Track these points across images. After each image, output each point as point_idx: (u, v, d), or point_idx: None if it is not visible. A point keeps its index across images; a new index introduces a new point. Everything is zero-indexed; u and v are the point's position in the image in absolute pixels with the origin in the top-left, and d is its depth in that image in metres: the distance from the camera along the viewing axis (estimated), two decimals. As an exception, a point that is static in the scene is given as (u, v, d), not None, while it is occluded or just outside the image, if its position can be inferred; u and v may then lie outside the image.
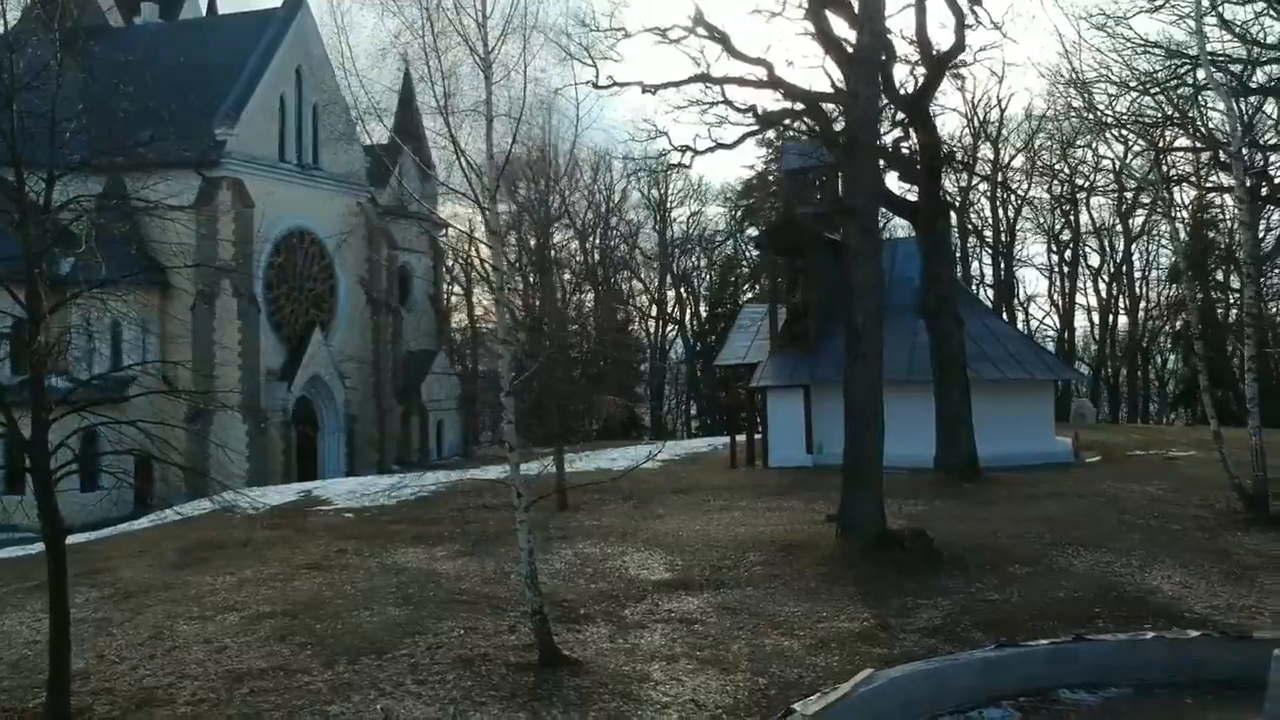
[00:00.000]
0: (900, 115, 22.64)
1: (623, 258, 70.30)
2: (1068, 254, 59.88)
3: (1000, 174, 57.60)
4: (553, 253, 69.86)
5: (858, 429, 14.92)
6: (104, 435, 34.68)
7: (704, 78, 17.14)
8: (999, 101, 72.00)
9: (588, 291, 70.07)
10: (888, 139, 23.66)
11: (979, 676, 10.15)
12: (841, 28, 15.82)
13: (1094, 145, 44.99)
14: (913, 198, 25.30)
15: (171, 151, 40.51)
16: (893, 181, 27.53)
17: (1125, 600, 12.35)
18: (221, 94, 42.33)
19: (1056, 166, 54.46)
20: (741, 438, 28.24)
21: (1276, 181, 27.98)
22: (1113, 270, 60.01)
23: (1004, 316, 59.45)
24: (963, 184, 55.85)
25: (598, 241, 69.51)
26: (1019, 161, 56.34)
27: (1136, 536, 15.20)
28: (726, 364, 29.65)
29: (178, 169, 40.90)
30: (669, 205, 68.27)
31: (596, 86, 16.89)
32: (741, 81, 17.78)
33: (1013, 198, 59.92)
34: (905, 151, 22.65)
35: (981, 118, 55.17)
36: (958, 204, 57.71)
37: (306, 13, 45.71)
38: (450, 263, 64.77)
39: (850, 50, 15.63)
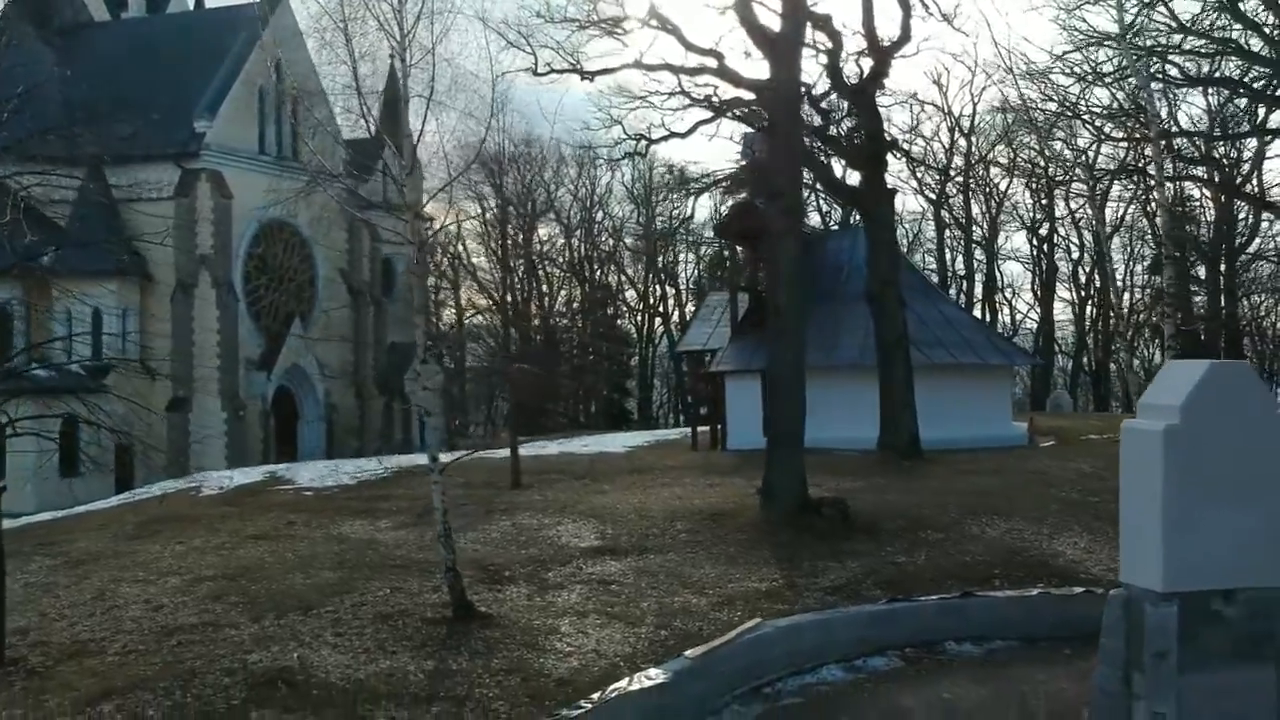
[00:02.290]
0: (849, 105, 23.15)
1: (609, 252, 70.86)
2: (1046, 246, 60.68)
3: (982, 167, 58.39)
4: (539, 246, 70.51)
5: (780, 403, 15.48)
6: (82, 421, 34.98)
7: (638, 64, 17.74)
8: (973, 96, 72.96)
9: (575, 286, 70.71)
10: (843, 128, 24.26)
11: (866, 628, 10.73)
12: (771, 18, 16.33)
13: (1067, 138, 45.78)
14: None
15: (153, 144, 41.24)
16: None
17: (1028, 563, 12.93)
18: (202, 87, 42.86)
19: (1033, 160, 55.22)
20: (705, 427, 28.88)
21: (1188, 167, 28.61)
22: (1091, 262, 60.75)
23: (987, 309, 60.22)
24: (937, 179, 56.66)
25: (583, 235, 70.04)
26: (1004, 157, 57.13)
27: (1054, 507, 15.79)
28: (689, 350, 30.26)
29: (158, 161, 41.59)
30: (654, 200, 68.93)
31: (535, 74, 17.46)
32: (677, 69, 18.32)
33: (995, 191, 60.70)
34: (845, 140, 23.22)
35: (957, 113, 56.02)
36: (935, 199, 58.50)
37: (285, 6, 46.14)
38: (440, 258, 65.55)
39: (773, 39, 16.17)
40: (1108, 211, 56.33)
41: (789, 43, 15.36)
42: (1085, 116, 26.29)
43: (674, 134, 21.45)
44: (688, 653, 9.39)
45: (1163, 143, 27.41)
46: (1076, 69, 23.68)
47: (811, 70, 26.89)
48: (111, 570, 14.26)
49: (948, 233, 60.92)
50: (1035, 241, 61.19)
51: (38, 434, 28.11)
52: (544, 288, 71.13)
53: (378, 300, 51.68)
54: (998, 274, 62.70)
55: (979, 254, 61.97)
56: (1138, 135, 21.74)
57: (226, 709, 9.00)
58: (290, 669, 9.84)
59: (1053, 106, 25.00)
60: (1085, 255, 61.06)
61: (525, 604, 11.80)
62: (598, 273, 70.78)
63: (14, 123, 31.46)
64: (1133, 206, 55.51)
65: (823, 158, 25.30)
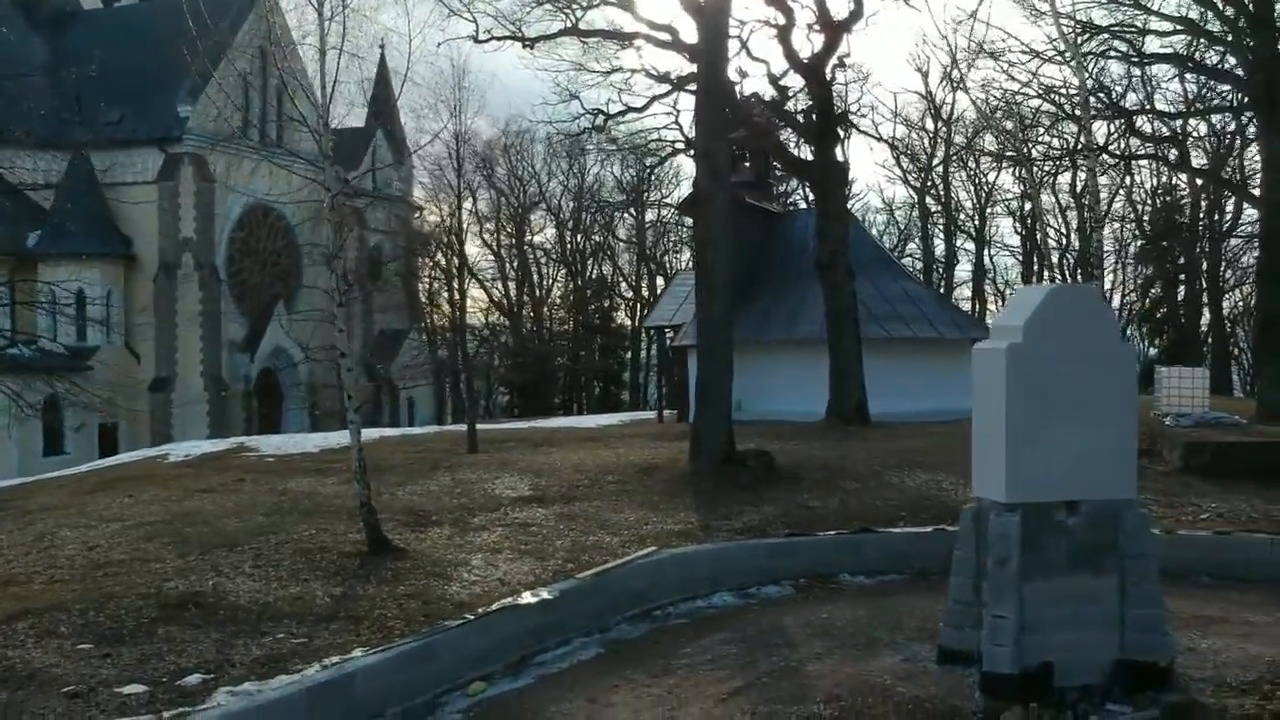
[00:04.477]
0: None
1: (601, 242, 71.18)
2: (1032, 234, 60.97)
3: (967, 155, 58.60)
4: (530, 236, 70.82)
5: (708, 359, 15.89)
6: (63, 400, 35.39)
7: (574, 30, 18.08)
8: (954, 84, 73.17)
9: (568, 280, 70.99)
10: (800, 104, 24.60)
11: (763, 559, 11.15)
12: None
13: (1051, 123, 46.02)
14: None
15: (138, 128, 41.75)
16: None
17: (936, 507, 13.32)
18: (186, 72, 43.26)
19: (1015, 145, 55.41)
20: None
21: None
22: (1077, 249, 61.03)
23: (976, 300, 60.52)
24: (921, 165, 57.00)
25: (575, 226, 70.33)
26: (988, 144, 57.43)
27: (980, 463, 16.14)
28: (655, 326, 30.68)
29: (142, 145, 42.10)
30: (645, 188, 69.22)
31: (476, 41, 17.84)
32: (611, 35, 18.66)
33: (982, 180, 60.96)
34: (800, 115, 23.60)
35: (938, 100, 56.29)
36: (919, 186, 58.83)
37: (272, -11, 46.56)
38: (432, 248, 65.88)
39: (701, 4, 16.55)
40: (1097, 199, 56.61)
41: (716, 7, 15.76)
42: (1046, 95, 26.58)
43: (631, 109, 21.87)
44: (578, 575, 9.80)
45: (1120, 121, 27.78)
46: (1031, 47, 24.01)
47: (769, 47, 27.14)
48: (58, 518, 14.71)
49: (935, 221, 61.29)
50: (1021, 230, 61.55)
51: (17, 401, 28.40)
52: (536, 279, 71.49)
53: (364, 286, 52.17)
54: (988, 262, 63.08)
55: (969, 244, 62.36)
56: (1077, 114, 22.01)
57: (135, 625, 9.43)
58: (203, 594, 10.29)
59: (1013, 86, 25.30)
60: (1073, 243, 61.36)
61: (444, 542, 12.24)
62: (590, 265, 71.15)
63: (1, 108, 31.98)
64: (1119, 196, 55.84)
65: (780, 133, 25.65)
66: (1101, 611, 7.97)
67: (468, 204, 65.05)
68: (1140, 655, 7.83)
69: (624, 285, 72.34)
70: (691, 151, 24.27)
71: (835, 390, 22.55)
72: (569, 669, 8.76)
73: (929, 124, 58.20)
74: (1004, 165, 48.73)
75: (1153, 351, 56.96)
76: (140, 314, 41.09)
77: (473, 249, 70.34)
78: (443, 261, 68.74)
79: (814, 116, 23.09)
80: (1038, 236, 56.77)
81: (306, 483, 16.91)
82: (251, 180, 44.11)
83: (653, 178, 62.83)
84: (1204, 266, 51.74)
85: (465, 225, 65.96)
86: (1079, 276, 56.49)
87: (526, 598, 9.24)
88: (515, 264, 70.00)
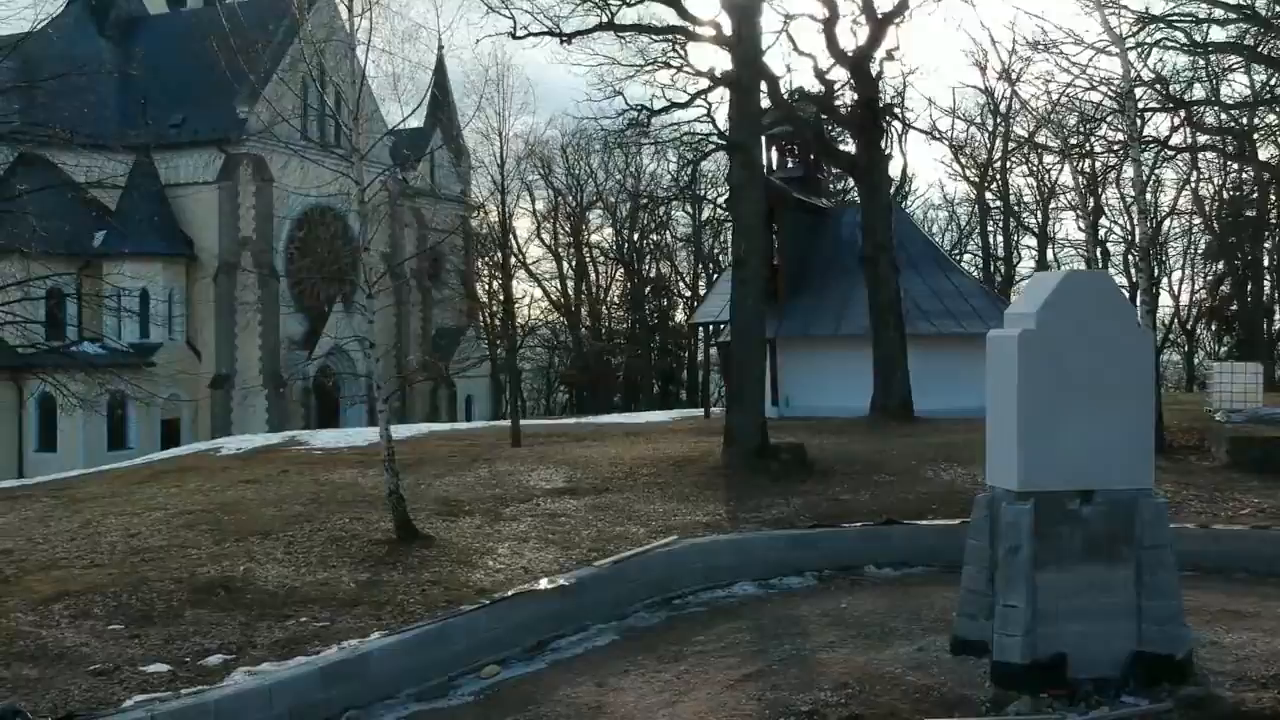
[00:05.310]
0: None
1: (658, 241, 71.17)
2: (1094, 231, 59.80)
3: (1029, 150, 57.64)
4: (587, 235, 71.03)
5: (741, 349, 15.86)
6: (130, 396, 36.06)
7: (610, 25, 18.12)
8: (1010, 78, 71.96)
9: (626, 279, 71.05)
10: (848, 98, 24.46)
11: (786, 550, 11.11)
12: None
13: (1102, 116, 45.04)
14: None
15: (199, 130, 42.68)
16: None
17: (969, 501, 13.00)
18: (246, 74, 44.11)
19: (1078, 140, 54.38)
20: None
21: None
22: (1142, 245, 59.74)
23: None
24: (980, 162, 56.25)
25: (631, 225, 70.38)
26: (1049, 139, 56.30)
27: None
28: (702, 322, 30.65)
29: (203, 146, 43.01)
30: (695, 185, 68.98)
31: (514, 37, 17.97)
32: (645, 29, 18.64)
33: (1044, 175, 59.92)
34: (845, 108, 23.46)
35: (997, 94, 55.43)
36: (978, 182, 58.06)
37: (332, -10, 47.33)
38: (489, 246, 66.32)
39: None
40: (1163, 197, 55.52)
41: (747, 1, 15.74)
42: (1095, 87, 26.02)
43: (674, 104, 21.86)
44: (597, 563, 9.86)
45: (1180, 113, 27.12)
46: (1081, 38, 23.55)
47: (815, 42, 27.07)
48: (105, 507, 15.12)
49: (994, 218, 60.40)
50: (1083, 226, 60.37)
51: (80, 401, 29.14)
52: (594, 278, 71.66)
53: (424, 287, 52.78)
54: (1051, 258, 61.96)
55: (1030, 240, 61.38)
56: (1123, 104, 21.48)
57: (165, 608, 9.68)
58: (233, 579, 10.52)
59: (1066, 78, 24.81)
60: (1137, 241, 60.01)
61: (473, 531, 12.38)
62: (648, 263, 71.14)
63: (70, 112, 32.88)
64: (1185, 192, 54.56)
65: (825, 128, 25.52)
66: (1117, 603, 7.84)
67: (525, 203, 65.61)
68: (1157, 647, 7.70)
69: (682, 284, 72.29)
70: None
71: (879, 385, 22.38)
72: (582, 654, 8.83)
73: (988, 120, 57.40)
74: (1066, 159, 47.81)
75: (1222, 350, 55.70)
76: (201, 312, 41.99)
77: (534, 251, 70.85)
78: (498, 259, 69.25)
79: (859, 110, 22.91)
80: (1100, 232, 55.63)
81: (349, 474, 17.18)
82: (309, 179, 44.75)
83: (698, 174, 62.69)
84: (1266, 262, 50.40)
85: (507, 221, 66.36)
86: (1135, 272, 55.42)
87: (543, 584, 9.32)
88: (573, 263, 70.29)
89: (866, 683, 7.61)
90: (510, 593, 9.12)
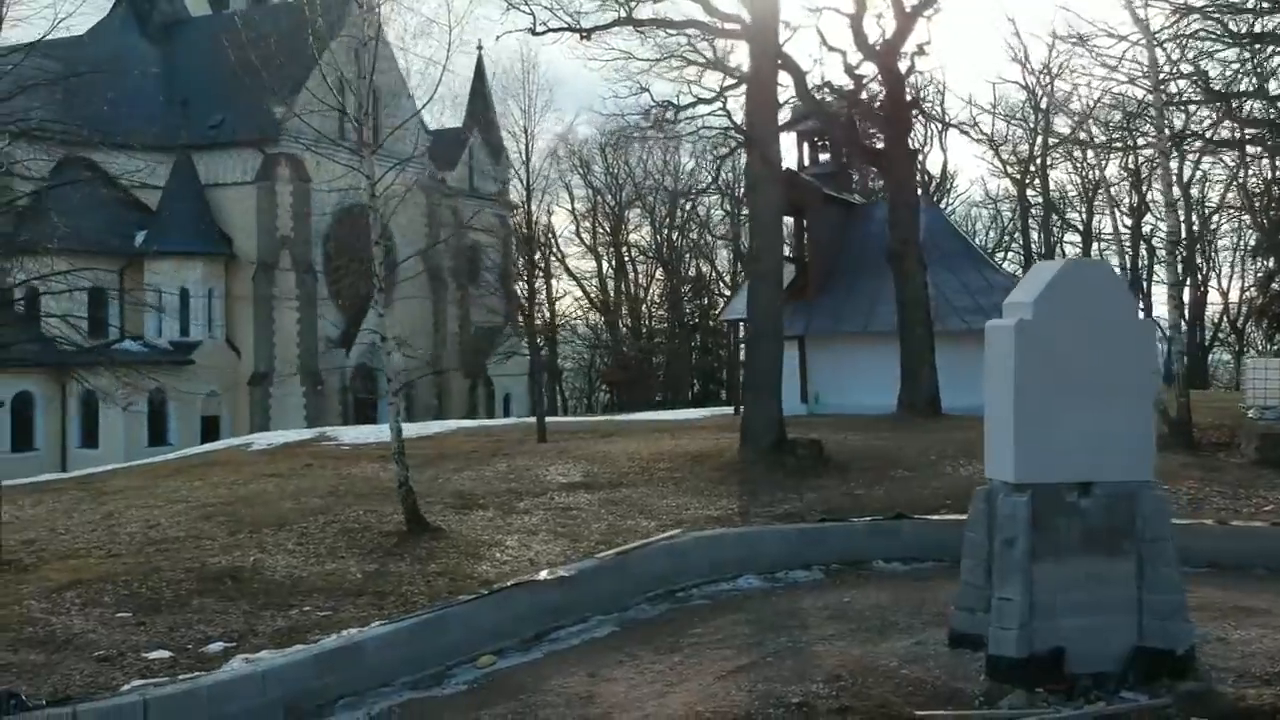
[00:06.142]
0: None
1: (697, 240, 71.04)
2: (1138, 227, 58.94)
3: (1075, 146, 56.89)
4: (626, 235, 71.03)
5: (757, 343, 15.79)
6: (170, 393, 36.38)
7: (629, 20, 18.06)
8: (1050, 73, 71.04)
9: (666, 278, 70.96)
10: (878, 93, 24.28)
11: (794, 544, 11.05)
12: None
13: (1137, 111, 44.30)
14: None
15: (238, 130, 43.20)
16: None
17: (985, 497, 12.99)
18: (284, 74, 44.58)
19: (1122, 136, 53.54)
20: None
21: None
22: (1188, 243, 58.76)
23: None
24: (1021, 158, 55.66)
25: (670, 223, 70.29)
26: (1092, 135, 55.51)
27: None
28: (730, 319, 30.55)
29: (242, 147, 43.50)
30: (737, 183, 68.71)
31: (534, 33, 18.00)
32: (664, 23, 18.54)
33: (1087, 171, 59.09)
34: (874, 104, 23.29)
35: (1039, 91, 54.77)
36: (1019, 179, 57.43)
37: (369, -8, 47.69)
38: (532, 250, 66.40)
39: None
40: (1211, 192, 54.61)
41: (764, -2, 15.71)
42: (1142, 80, 25.62)
43: (701, 100, 21.73)
44: (599, 555, 9.86)
45: (1218, 106, 26.65)
46: (1116, 31, 23.19)
47: (845, 36, 26.91)
48: (129, 499, 15.35)
49: (1036, 215, 59.70)
50: (1126, 224, 59.51)
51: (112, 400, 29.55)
52: (633, 276, 71.64)
53: (463, 286, 53.05)
54: (1096, 255, 61.04)
55: (1072, 237, 60.58)
56: (1149, 97, 21.10)
57: (173, 597, 9.81)
58: (242, 568, 10.64)
59: (1102, 72, 24.45)
60: (1165, 235, 58.96)
61: (484, 524, 12.43)
62: (689, 261, 71.01)
63: (113, 113, 33.40)
64: (1233, 188, 53.54)
65: (852, 121, 25.32)
66: (1117, 597, 7.70)
67: (565, 202, 65.78)
68: (1158, 642, 7.57)
69: (722, 283, 72.09)
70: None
71: (906, 381, 22.17)
72: (579, 645, 8.83)
73: (1029, 116, 56.74)
74: (1109, 155, 47.11)
75: (1274, 348, 54.55)
76: (239, 310, 42.48)
77: (573, 250, 70.96)
78: (537, 258, 69.36)
79: (885, 105, 22.74)
80: (1144, 229, 54.86)
81: (370, 468, 17.30)
82: (347, 179, 45.11)
83: (735, 170, 62.48)
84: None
85: (536, 219, 66.55)
86: (1180, 268, 54.46)
87: (543, 575, 9.33)
88: (612, 262, 70.34)
89: (860, 675, 7.55)
90: (509, 583, 9.14)
